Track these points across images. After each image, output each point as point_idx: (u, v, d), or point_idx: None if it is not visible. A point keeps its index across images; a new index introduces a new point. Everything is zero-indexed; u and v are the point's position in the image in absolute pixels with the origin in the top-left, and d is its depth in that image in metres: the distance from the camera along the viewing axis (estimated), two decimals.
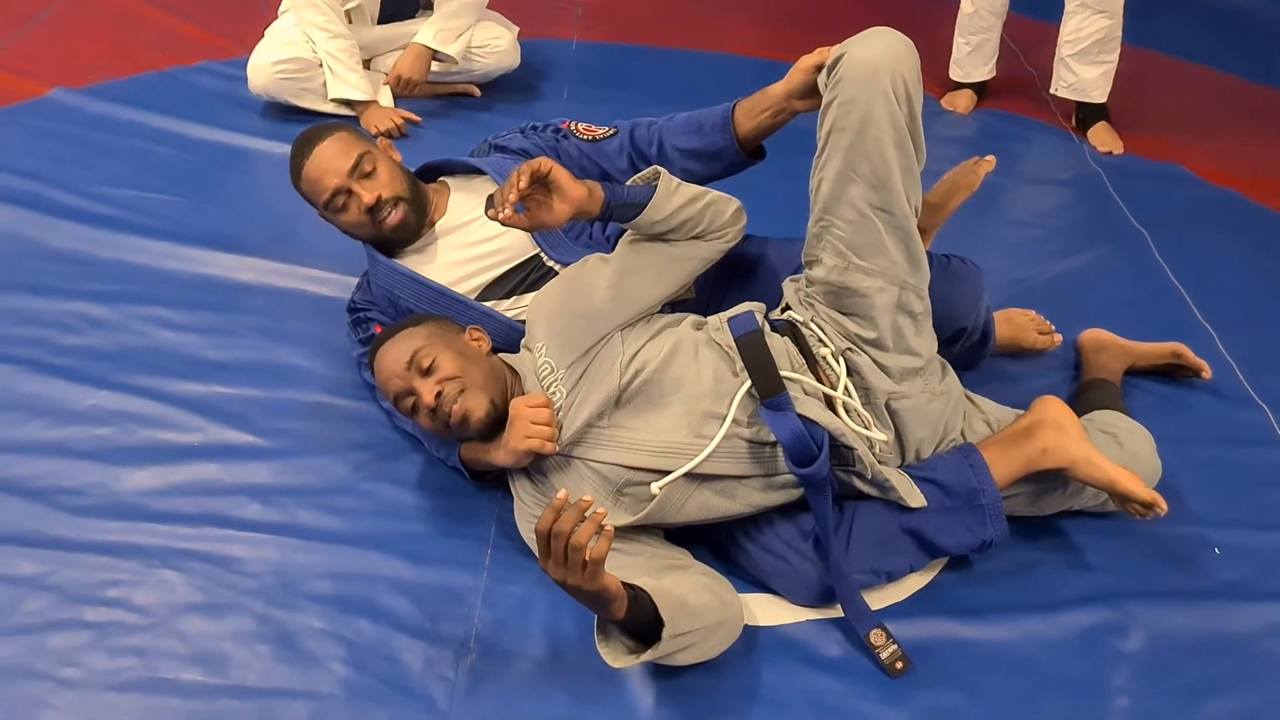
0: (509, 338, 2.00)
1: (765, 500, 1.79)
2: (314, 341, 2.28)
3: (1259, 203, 3.21)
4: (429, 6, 3.24)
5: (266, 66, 2.99)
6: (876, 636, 1.72)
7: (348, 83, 3.04)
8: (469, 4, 3.16)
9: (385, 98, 3.15)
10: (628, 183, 1.83)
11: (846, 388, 1.78)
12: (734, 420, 1.73)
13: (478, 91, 3.30)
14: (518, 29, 3.38)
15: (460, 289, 2.07)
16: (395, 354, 1.82)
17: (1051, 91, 3.52)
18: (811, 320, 1.82)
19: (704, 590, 1.66)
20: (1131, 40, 3.46)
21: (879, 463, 1.78)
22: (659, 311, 1.91)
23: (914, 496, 1.78)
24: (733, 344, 1.79)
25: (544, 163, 1.69)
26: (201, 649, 1.66)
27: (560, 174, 1.70)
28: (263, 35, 3.12)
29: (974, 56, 3.57)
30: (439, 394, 1.78)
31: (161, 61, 3.30)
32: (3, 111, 3.00)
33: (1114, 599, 1.86)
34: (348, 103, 3.08)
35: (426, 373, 1.79)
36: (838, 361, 1.80)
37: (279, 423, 2.08)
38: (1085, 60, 3.41)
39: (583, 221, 2.08)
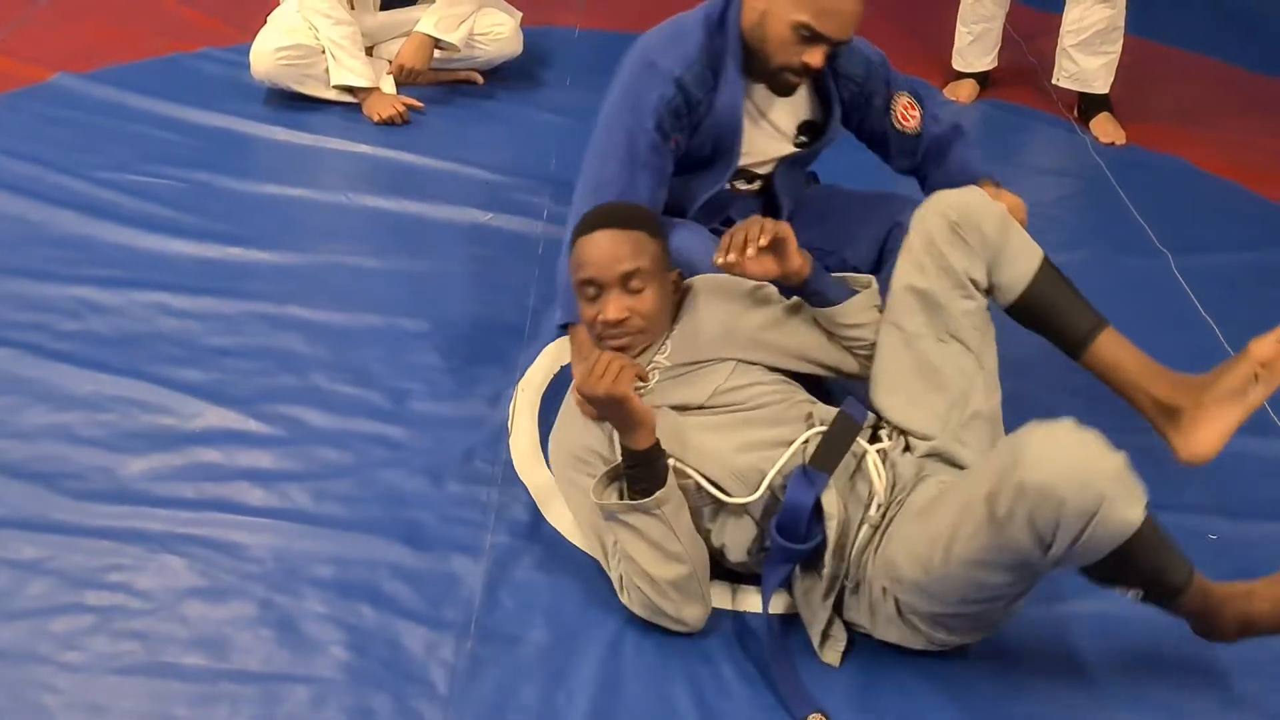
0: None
1: (724, 531, 1.78)
2: (316, 328, 2.28)
3: (1261, 194, 3.21)
4: None
5: (269, 53, 2.99)
6: None
7: (351, 70, 3.04)
8: None
9: (388, 85, 3.15)
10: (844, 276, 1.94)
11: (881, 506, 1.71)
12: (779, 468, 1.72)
13: (480, 79, 3.30)
14: (520, 15, 3.37)
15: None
16: (616, 249, 1.85)
17: (1054, 81, 3.52)
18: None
19: (699, 545, 1.74)
20: (1134, 30, 3.45)
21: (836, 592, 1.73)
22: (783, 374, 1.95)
23: (830, 654, 1.72)
24: (828, 418, 1.77)
25: (785, 228, 1.80)
26: (203, 633, 1.67)
27: (792, 244, 1.81)
28: (265, 22, 3.12)
29: (976, 46, 3.56)
30: (623, 320, 1.84)
31: (164, 47, 3.30)
32: (6, 96, 3.01)
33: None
34: (350, 89, 3.08)
35: (628, 290, 1.85)
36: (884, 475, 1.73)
37: (280, 408, 2.08)
38: (1088, 50, 3.39)
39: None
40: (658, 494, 1.66)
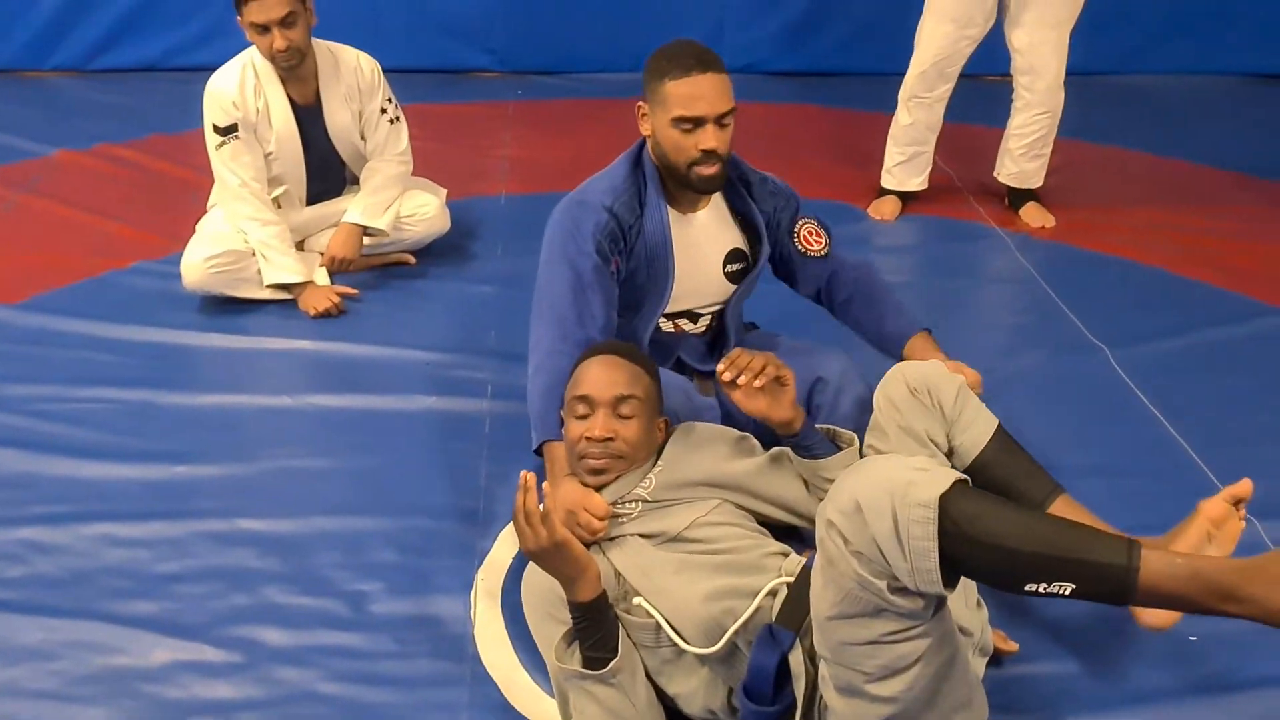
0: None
1: (677, 678, 1.77)
2: (267, 540, 2.24)
3: (1186, 276, 3.29)
4: (355, 182, 3.29)
5: (199, 263, 3.01)
6: None
7: (282, 268, 3.07)
8: (393, 176, 3.22)
9: (321, 277, 3.18)
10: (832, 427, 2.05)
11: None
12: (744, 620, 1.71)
13: (412, 259, 3.34)
14: (445, 192, 3.43)
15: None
16: (615, 375, 1.97)
17: (995, 175, 3.71)
18: None
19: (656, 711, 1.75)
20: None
21: None
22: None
23: None
24: (795, 570, 1.77)
25: (790, 374, 1.94)
26: None
27: (792, 391, 1.95)
28: (194, 229, 3.16)
29: (907, 167, 3.68)
30: (608, 438, 1.94)
31: (96, 266, 3.31)
32: None
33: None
34: (285, 286, 3.10)
35: (618, 414, 1.95)
36: None
37: (236, 631, 2.03)
38: (1029, 156, 3.61)
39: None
40: (613, 664, 1.69)
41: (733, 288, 2.37)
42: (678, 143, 2.16)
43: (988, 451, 1.96)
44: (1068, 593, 1.35)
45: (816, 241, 2.40)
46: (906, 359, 2.25)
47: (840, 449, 2.00)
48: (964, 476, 1.41)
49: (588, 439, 1.95)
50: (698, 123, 2.13)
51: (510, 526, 2.24)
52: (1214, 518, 1.76)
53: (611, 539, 1.92)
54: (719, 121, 2.14)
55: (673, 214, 2.28)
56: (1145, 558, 1.34)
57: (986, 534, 1.36)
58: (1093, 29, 4.14)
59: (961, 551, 1.35)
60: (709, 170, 2.17)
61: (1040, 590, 1.36)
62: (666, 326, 2.38)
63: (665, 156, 2.20)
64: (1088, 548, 1.36)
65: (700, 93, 2.11)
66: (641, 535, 1.90)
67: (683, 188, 2.24)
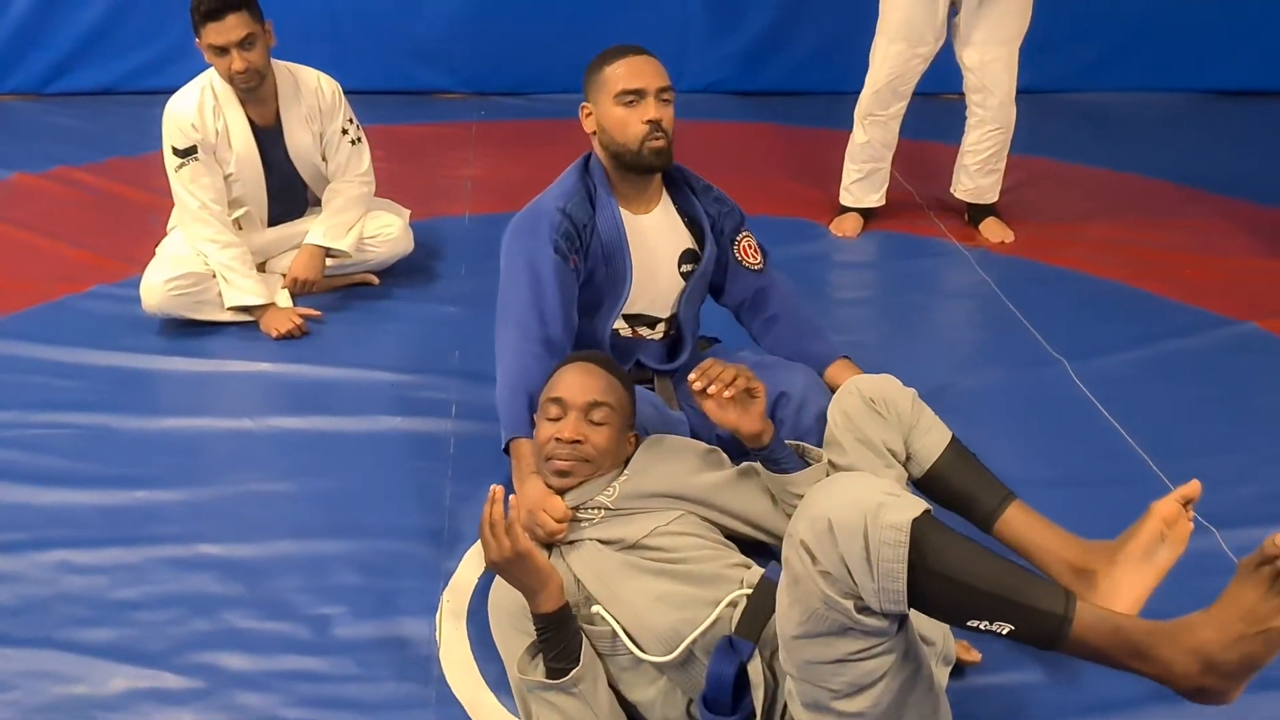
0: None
1: (637, 686, 1.78)
2: (228, 565, 2.22)
3: (1144, 289, 3.34)
4: (318, 204, 3.28)
5: (159, 286, 2.98)
6: None
7: (243, 289, 3.05)
8: (356, 198, 3.21)
9: (283, 299, 3.16)
10: (801, 443, 2.06)
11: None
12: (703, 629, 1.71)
13: (376, 280, 3.33)
14: (408, 212, 3.43)
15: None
16: (590, 381, 2.02)
17: (951, 191, 3.75)
18: None
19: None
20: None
21: None
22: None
23: None
24: (755, 582, 1.77)
25: (761, 386, 1.95)
26: None
27: (762, 403, 1.96)
28: (153, 252, 3.13)
29: (864, 184, 3.71)
30: (577, 440, 1.97)
31: (55, 291, 3.27)
32: None
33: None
34: (246, 308, 3.08)
35: (589, 419, 1.98)
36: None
37: (196, 657, 2.00)
38: (984, 172, 3.65)
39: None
40: (574, 672, 1.70)
41: (688, 286, 2.42)
42: (623, 120, 2.24)
43: (945, 457, 1.99)
44: (1005, 632, 1.39)
45: (754, 256, 2.48)
46: (826, 381, 2.34)
47: (809, 464, 2.01)
48: (929, 507, 1.43)
49: (557, 439, 1.98)
50: (640, 94, 2.23)
51: (475, 546, 2.23)
52: (1166, 518, 1.80)
53: (570, 543, 1.93)
54: (659, 96, 2.24)
55: (625, 214, 2.34)
56: (1079, 610, 1.38)
57: (947, 567, 1.38)
58: (1048, 48, 4.22)
59: (921, 580, 1.37)
60: (657, 143, 2.25)
61: (980, 627, 1.39)
62: (625, 331, 2.41)
63: (613, 141, 2.27)
64: (1032, 593, 1.39)
65: (639, 69, 2.24)
66: (600, 541, 1.91)
67: (633, 173, 2.30)
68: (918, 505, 1.40)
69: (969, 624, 1.40)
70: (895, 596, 1.36)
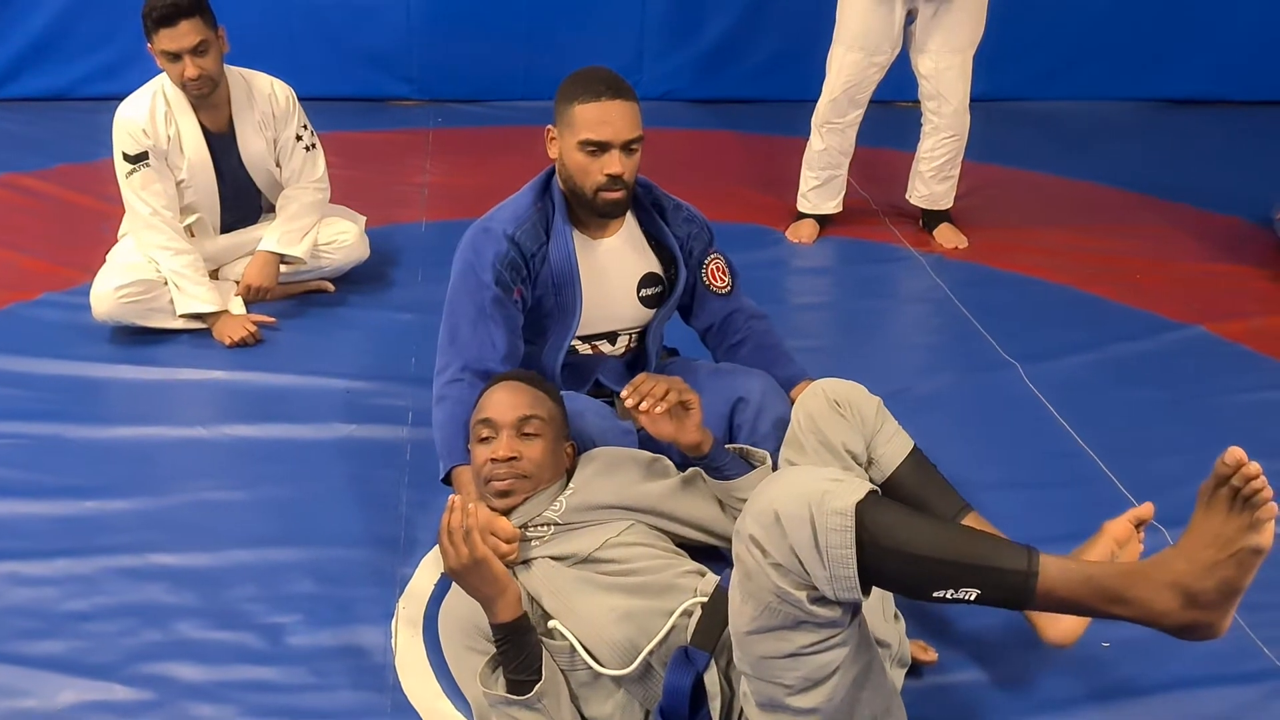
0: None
1: (595, 700, 1.78)
2: (181, 575, 2.19)
3: (1094, 294, 3.38)
4: (272, 210, 3.25)
5: (109, 293, 2.94)
6: None
7: (196, 297, 3.01)
8: (310, 204, 3.19)
9: (236, 306, 3.12)
10: (747, 447, 2.08)
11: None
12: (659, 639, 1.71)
13: (331, 287, 3.30)
14: (364, 219, 3.41)
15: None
16: (517, 398, 2.01)
17: (906, 197, 3.78)
18: None
19: None
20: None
21: None
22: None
23: None
24: (709, 590, 1.77)
25: (695, 398, 1.95)
26: None
27: (698, 414, 1.97)
28: (104, 259, 3.09)
29: (822, 191, 3.73)
30: (512, 458, 1.95)
31: (2, 299, 3.22)
32: None
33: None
34: (199, 315, 3.04)
35: (522, 435, 1.97)
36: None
37: (147, 668, 1.97)
38: (939, 178, 3.69)
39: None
40: (538, 687, 1.69)
41: (649, 312, 2.39)
42: (583, 166, 2.18)
43: (905, 465, 2.00)
44: (972, 598, 1.38)
45: (721, 279, 2.44)
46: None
47: (753, 467, 2.01)
48: (875, 488, 1.43)
49: (493, 460, 1.97)
50: (603, 147, 2.16)
51: (431, 553, 2.22)
52: (1118, 537, 1.82)
53: (523, 562, 1.92)
54: (626, 148, 2.17)
55: (580, 240, 2.30)
56: (1044, 563, 1.38)
57: (899, 542, 1.38)
58: (1002, 57, 4.27)
59: (875, 560, 1.37)
60: (612, 195, 2.20)
61: (947, 596, 1.39)
62: (584, 349, 2.39)
63: (571, 179, 2.23)
64: (992, 554, 1.39)
65: (608, 118, 2.14)
66: (552, 558, 1.89)
67: (588, 212, 2.26)
68: (862, 488, 1.40)
69: (935, 595, 1.39)
70: (848, 583, 1.37)
